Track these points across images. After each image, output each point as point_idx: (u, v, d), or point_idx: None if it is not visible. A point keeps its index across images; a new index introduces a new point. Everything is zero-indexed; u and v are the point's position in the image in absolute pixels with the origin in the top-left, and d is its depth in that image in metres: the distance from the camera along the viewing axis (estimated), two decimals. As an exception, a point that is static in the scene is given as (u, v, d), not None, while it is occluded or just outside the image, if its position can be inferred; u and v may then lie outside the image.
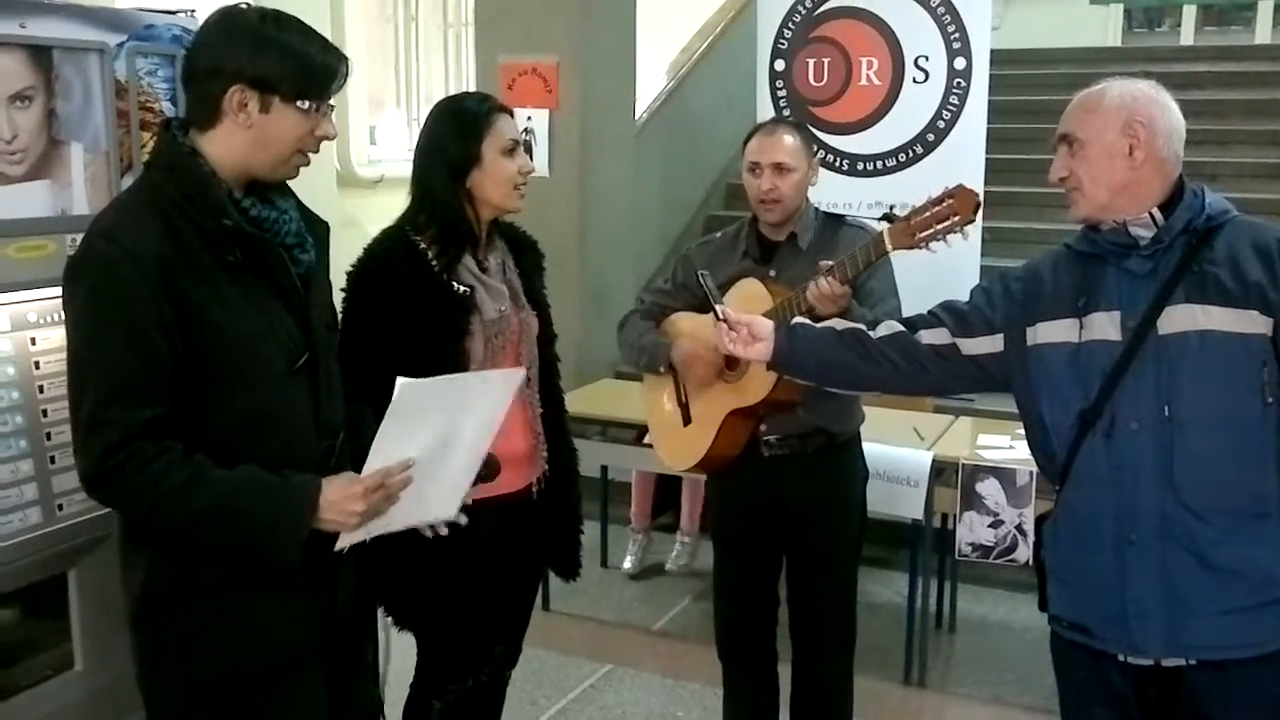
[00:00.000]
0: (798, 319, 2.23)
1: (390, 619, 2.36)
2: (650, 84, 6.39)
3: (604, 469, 4.63)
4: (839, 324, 2.15)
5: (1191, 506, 1.76)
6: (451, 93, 2.74)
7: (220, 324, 1.67)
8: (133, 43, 2.19)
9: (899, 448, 3.55)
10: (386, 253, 2.28)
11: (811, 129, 4.81)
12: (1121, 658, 1.84)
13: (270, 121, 1.70)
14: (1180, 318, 1.77)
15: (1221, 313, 1.75)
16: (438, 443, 1.81)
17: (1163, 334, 1.78)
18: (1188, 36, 10.53)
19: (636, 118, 5.90)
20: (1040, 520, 2.02)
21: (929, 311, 2.08)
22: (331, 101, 1.77)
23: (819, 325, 2.16)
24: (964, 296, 2.08)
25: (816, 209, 2.77)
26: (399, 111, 8.35)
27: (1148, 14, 10.99)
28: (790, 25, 4.98)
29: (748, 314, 2.21)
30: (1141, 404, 1.78)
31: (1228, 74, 7.19)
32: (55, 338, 2.00)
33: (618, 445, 3.97)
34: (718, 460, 2.73)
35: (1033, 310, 1.92)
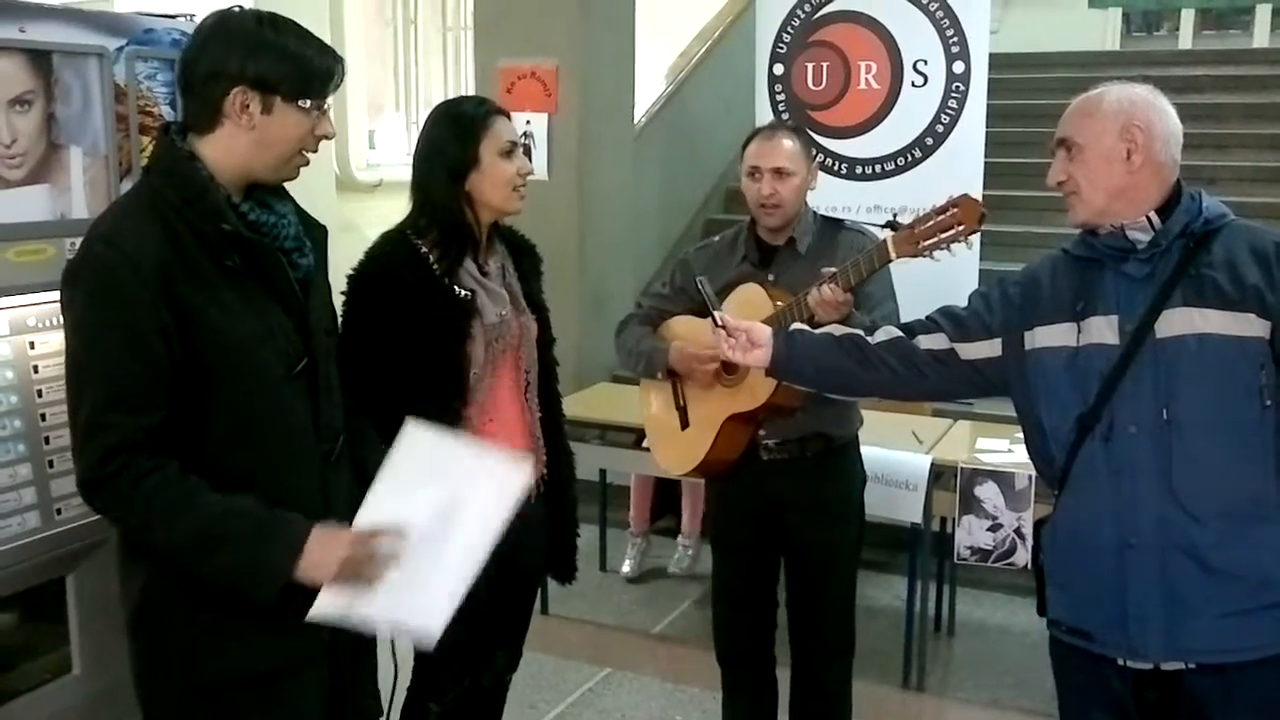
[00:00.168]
0: (796, 325, 2.23)
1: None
2: (649, 88, 6.39)
3: (603, 472, 4.63)
4: (837, 330, 2.15)
5: (1190, 510, 1.76)
6: (450, 97, 2.74)
7: (219, 328, 1.67)
8: (132, 47, 2.19)
9: (898, 451, 3.55)
10: (387, 257, 2.28)
11: (810, 133, 4.85)
12: (1121, 662, 1.84)
13: (272, 122, 1.70)
14: (1178, 321, 1.78)
15: (1219, 316, 1.76)
16: (436, 522, 1.75)
17: (1160, 337, 1.78)
18: (1186, 40, 10.54)
19: (635, 121, 5.91)
20: (1039, 524, 2.02)
21: (927, 317, 2.08)
22: (329, 101, 1.78)
23: (817, 331, 2.16)
24: (962, 301, 2.08)
25: (815, 213, 2.78)
26: (398, 115, 8.35)
27: (1146, 18, 11.01)
28: (789, 29, 4.99)
29: (747, 320, 2.21)
30: (1140, 407, 1.79)
31: (1226, 78, 7.20)
32: (54, 342, 2.00)
33: (616, 449, 3.97)
34: (716, 464, 2.73)
35: (1031, 315, 1.93)
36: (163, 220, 1.66)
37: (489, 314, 2.28)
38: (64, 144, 2.09)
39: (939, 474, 3.50)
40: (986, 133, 4.75)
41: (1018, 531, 3.35)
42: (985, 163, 4.74)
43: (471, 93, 5.20)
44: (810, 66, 4.96)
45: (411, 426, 1.74)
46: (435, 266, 2.26)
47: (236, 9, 1.74)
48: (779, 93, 5.04)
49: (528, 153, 4.79)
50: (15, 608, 2.02)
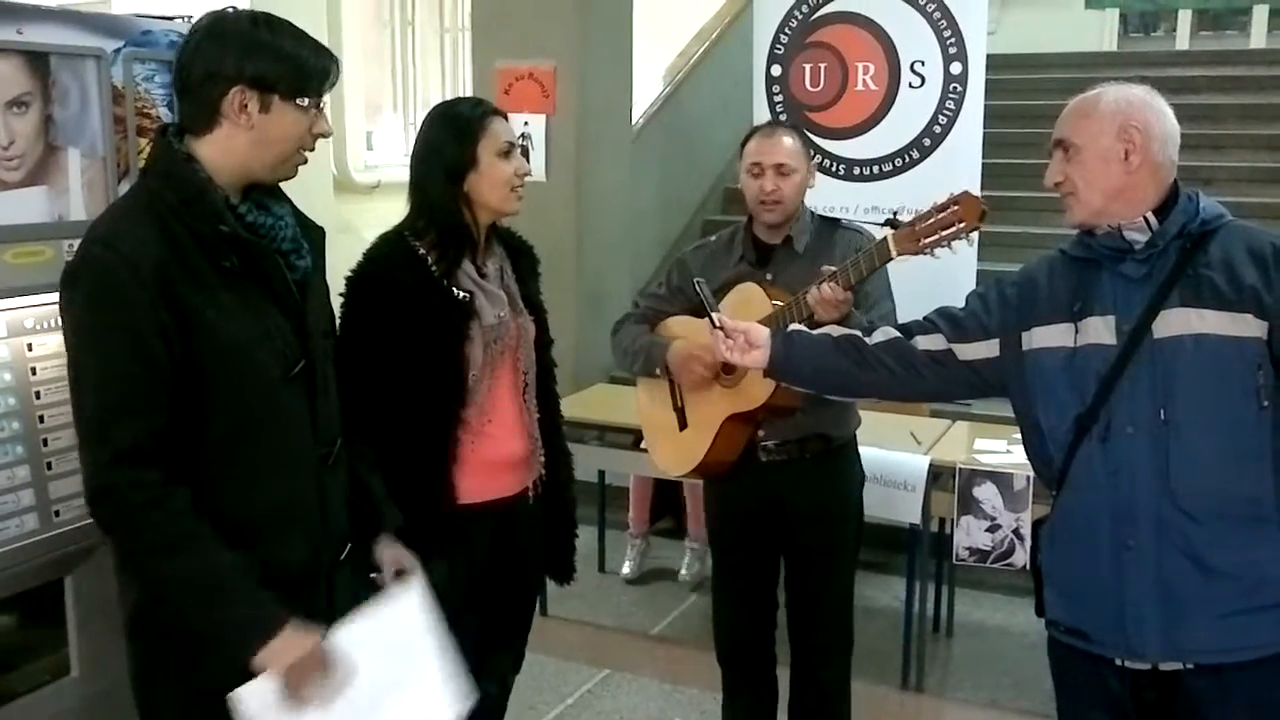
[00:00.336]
0: (794, 326, 2.23)
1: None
2: (647, 89, 6.39)
3: (601, 474, 4.63)
4: (835, 331, 2.15)
5: (1187, 510, 1.76)
6: (448, 98, 2.74)
7: (216, 330, 1.67)
8: (129, 48, 2.19)
9: (896, 452, 3.55)
10: (386, 258, 2.28)
11: (808, 134, 4.85)
12: (1119, 662, 1.84)
13: (271, 121, 1.71)
14: (1175, 321, 1.78)
15: (1216, 316, 1.76)
16: (375, 690, 1.76)
17: (1158, 338, 1.79)
18: (1183, 41, 10.55)
19: (633, 122, 5.91)
20: (1037, 524, 2.02)
21: (925, 317, 2.08)
22: (325, 99, 1.78)
23: (815, 332, 2.16)
24: (960, 301, 2.08)
25: (812, 212, 2.78)
26: (396, 117, 8.35)
27: (1143, 18, 11.02)
28: (786, 31, 4.99)
29: (745, 320, 2.21)
30: (1137, 408, 1.79)
31: (1223, 78, 7.21)
32: (52, 343, 2.00)
33: (615, 450, 3.97)
34: (715, 465, 2.73)
35: (1028, 315, 1.93)
36: (160, 221, 1.65)
37: (487, 315, 2.28)
38: (62, 146, 2.08)
39: (937, 475, 3.50)
40: (984, 133, 4.75)
41: (1016, 532, 3.35)
42: (983, 163, 4.75)
43: (469, 94, 5.21)
44: (808, 67, 4.96)
45: (416, 590, 1.76)
46: (433, 268, 2.26)
47: (230, 10, 1.74)
48: (777, 94, 5.04)
49: (525, 154, 4.80)
50: (14, 610, 2.02)
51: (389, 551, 2.06)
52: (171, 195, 1.67)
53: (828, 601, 2.81)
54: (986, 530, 3.39)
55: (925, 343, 2.04)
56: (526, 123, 5.09)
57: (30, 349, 2.02)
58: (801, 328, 2.21)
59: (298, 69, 1.71)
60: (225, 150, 1.71)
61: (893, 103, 4.83)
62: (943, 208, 2.21)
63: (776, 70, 5.03)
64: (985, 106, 4.74)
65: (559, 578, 2.58)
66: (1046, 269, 1.96)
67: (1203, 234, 1.81)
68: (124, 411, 1.61)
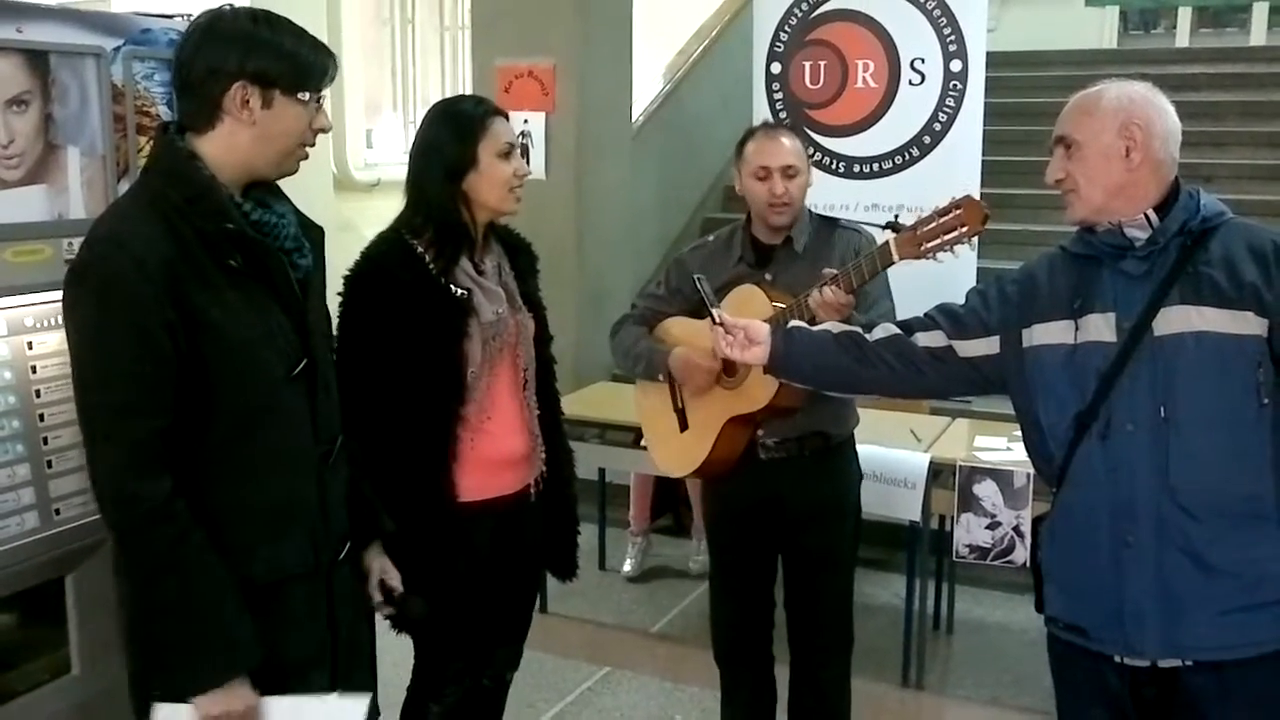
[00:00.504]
0: (794, 323, 2.23)
1: (389, 622, 2.35)
2: (647, 87, 6.39)
3: (602, 471, 4.63)
4: (835, 327, 2.15)
5: (1187, 507, 1.76)
6: (448, 96, 2.74)
7: (221, 328, 1.67)
8: (129, 47, 2.19)
9: (896, 450, 3.55)
10: (383, 256, 2.28)
11: (808, 131, 4.86)
12: (1118, 659, 1.84)
13: (273, 116, 1.71)
14: (1175, 319, 1.78)
15: (1217, 314, 1.76)
16: None
17: (1158, 335, 1.78)
18: (1183, 38, 10.55)
19: (633, 120, 5.91)
20: (1037, 521, 2.02)
21: (925, 314, 2.08)
22: (325, 94, 1.78)
23: (815, 329, 2.16)
24: (960, 299, 2.08)
25: (810, 211, 2.77)
26: (395, 115, 8.34)
27: (1143, 16, 11.01)
28: (786, 28, 4.99)
29: (744, 319, 2.21)
30: (1137, 405, 1.79)
31: (1223, 75, 7.21)
32: (52, 342, 2.00)
33: (616, 448, 3.97)
34: (717, 465, 2.72)
35: (1028, 312, 1.93)
36: (165, 220, 1.65)
37: (485, 312, 2.28)
38: (61, 144, 2.08)
39: (937, 472, 3.50)
40: (984, 131, 4.75)
41: (1016, 529, 3.35)
42: (983, 161, 4.74)
43: (469, 92, 5.21)
44: (808, 65, 4.96)
45: (362, 707, 1.76)
46: (431, 266, 2.26)
47: (228, 7, 1.74)
48: (777, 91, 5.04)
49: (525, 153, 4.80)
50: (14, 608, 2.01)
51: (377, 562, 2.07)
52: (176, 193, 1.67)
53: (827, 600, 2.81)
54: (987, 527, 3.39)
55: (925, 340, 2.04)
56: (526, 121, 5.09)
57: (30, 347, 2.02)
58: (802, 324, 2.21)
59: (298, 64, 1.72)
60: (228, 147, 1.71)
61: (893, 100, 4.83)
62: (945, 212, 2.21)
63: (776, 68, 5.03)
64: (985, 104, 4.74)
65: (561, 575, 2.58)
66: (1047, 266, 1.96)
67: (1203, 231, 1.81)
68: (133, 411, 1.61)
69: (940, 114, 4.75)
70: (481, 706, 2.54)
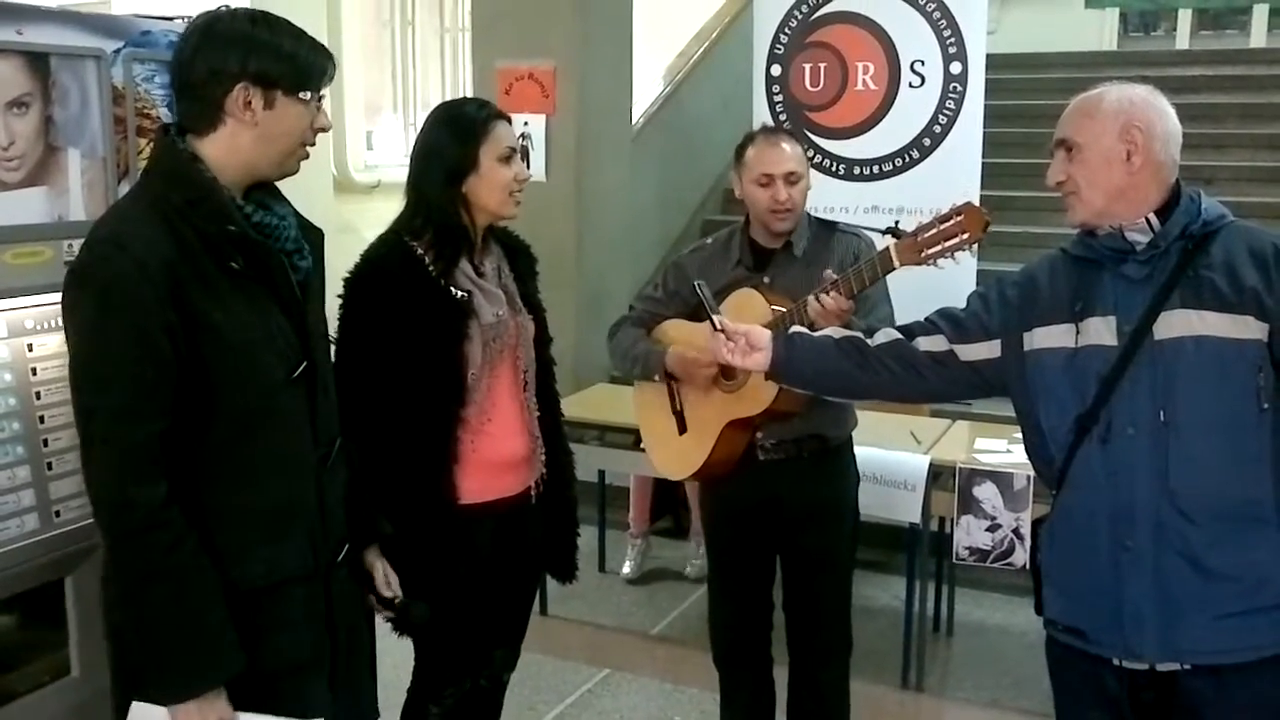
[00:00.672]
0: (795, 328, 2.22)
1: (389, 625, 2.35)
2: (647, 89, 6.39)
3: (601, 474, 4.62)
4: (836, 333, 2.15)
5: (1186, 511, 1.76)
6: (448, 98, 2.74)
7: (222, 330, 1.67)
8: (129, 49, 2.19)
9: (896, 452, 3.55)
10: (384, 259, 2.28)
11: (808, 134, 4.86)
12: (1116, 662, 1.84)
13: (275, 117, 1.71)
14: (1176, 323, 1.77)
15: (1217, 318, 1.75)
16: None
17: (1159, 339, 1.78)
18: (1183, 40, 10.56)
19: (633, 122, 5.91)
20: (1037, 523, 2.02)
21: (926, 319, 2.08)
22: (324, 93, 1.78)
23: (816, 334, 2.16)
24: (960, 301, 2.08)
25: (809, 215, 2.77)
26: (395, 117, 8.34)
27: (1143, 18, 11.02)
28: (786, 30, 4.99)
29: (745, 324, 2.20)
30: (1137, 409, 1.79)
31: (1223, 78, 7.21)
32: (52, 344, 2.00)
33: (615, 450, 3.97)
34: (716, 468, 2.72)
35: (1029, 315, 1.93)
36: (167, 221, 1.65)
37: (486, 314, 2.28)
38: (62, 146, 2.08)
39: (937, 474, 3.50)
40: (984, 133, 4.75)
41: (1016, 532, 3.35)
42: (983, 163, 4.74)
43: (469, 94, 5.21)
44: (808, 67, 4.96)
45: None
46: (431, 268, 2.26)
47: (225, 8, 1.74)
48: (777, 93, 5.04)
49: (525, 155, 4.80)
50: (14, 610, 2.02)
51: (379, 564, 2.08)
52: (177, 195, 1.67)
53: (826, 602, 2.81)
54: (986, 530, 3.39)
55: (927, 344, 2.04)
56: (526, 123, 5.09)
57: (30, 349, 2.02)
58: (803, 330, 2.20)
59: (299, 64, 1.72)
60: (230, 149, 1.71)
61: (893, 102, 4.83)
62: (946, 218, 2.20)
63: (776, 70, 5.03)
64: (985, 106, 4.74)
65: (561, 576, 2.58)
66: (1048, 269, 1.96)
67: (1204, 235, 1.81)
68: (132, 414, 1.61)
69: (940, 116, 4.75)
70: (479, 708, 2.54)
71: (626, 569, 4.63)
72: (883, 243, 2.35)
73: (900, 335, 2.07)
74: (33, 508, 1.99)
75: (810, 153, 4.84)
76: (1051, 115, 1.96)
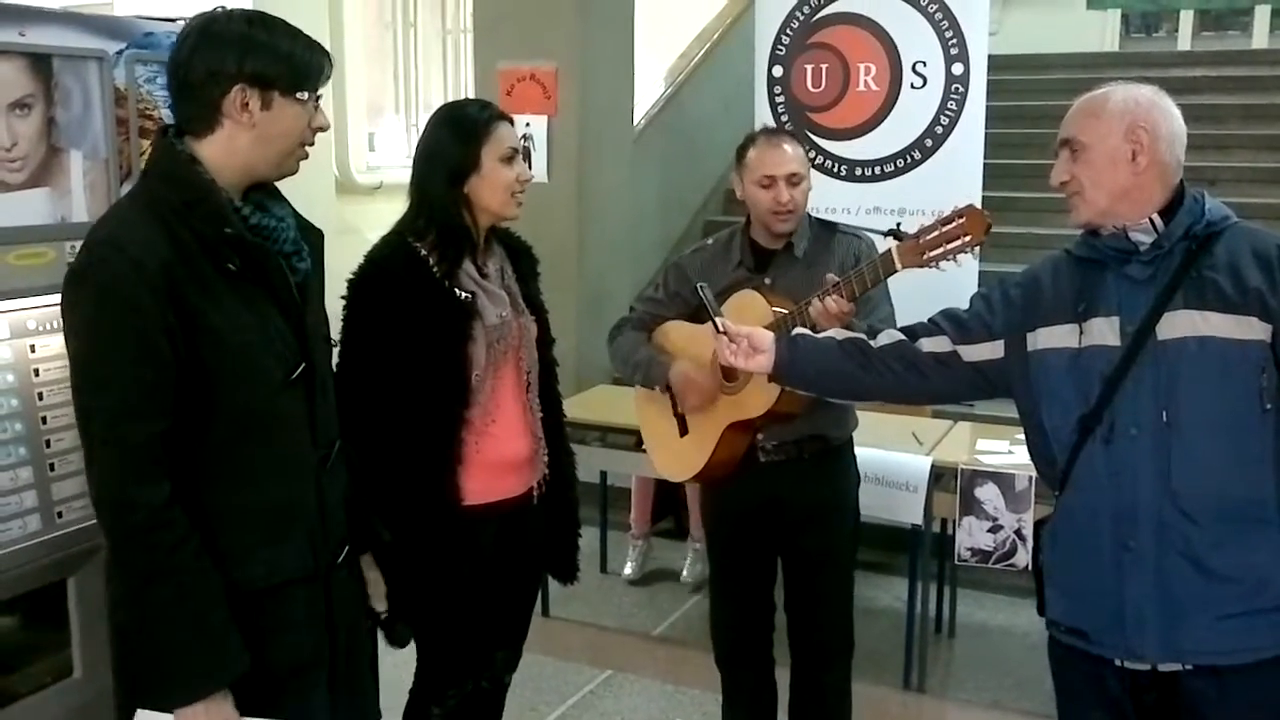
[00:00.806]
0: (798, 330, 2.22)
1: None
2: (649, 90, 6.39)
3: (603, 474, 4.63)
4: (839, 334, 2.15)
5: (1188, 512, 1.76)
6: (450, 99, 2.74)
7: (220, 332, 1.67)
8: (132, 50, 2.19)
9: (898, 453, 3.55)
10: (387, 260, 2.28)
11: (810, 135, 4.86)
12: (1118, 662, 1.84)
13: (272, 117, 1.71)
14: (1180, 323, 1.77)
15: (1221, 319, 1.75)
16: None
17: (1162, 339, 1.78)
18: (1185, 41, 10.55)
19: (635, 123, 5.91)
20: (1039, 524, 2.02)
21: (929, 319, 2.08)
22: (322, 93, 1.78)
23: (819, 336, 2.15)
24: (962, 302, 2.08)
25: (810, 216, 2.77)
26: (398, 118, 8.34)
27: (1145, 19, 11.01)
28: (788, 31, 4.99)
29: (746, 325, 2.20)
30: (1140, 409, 1.79)
31: (1225, 79, 7.21)
32: (55, 345, 2.00)
33: (617, 451, 3.98)
34: (717, 470, 2.72)
35: (1033, 316, 1.92)
36: (164, 223, 1.65)
37: (489, 315, 2.29)
38: (64, 147, 2.08)
39: (939, 475, 3.50)
40: (986, 134, 4.75)
41: (1018, 533, 3.35)
42: (985, 164, 4.74)
43: (471, 95, 5.21)
44: (809, 68, 4.96)
45: None
46: (435, 269, 2.26)
47: (221, 9, 1.74)
48: (778, 94, 5.04)
49: (527, 157, 4.80)
50: (16, 611, 2.02)
51: (372, 574, 2.08)
52: (175, 197, 1.67)
53: (828, 603, 2.81)
54: (988, 531, 3.39)
55: (930, 345, 2.04)
56: (528, 124, 5.09)
57: (33, 350, 2.02)
58: (806, 331, 2.20)
59: (296, 64, 1.72)
60: (228, 150, 1.71)
61: (894, 103, 4.83)
62: (947, 220, 2.20)
63: (778, 71, 5.03)
64: (987, 107, 4.74)
65: (562, 577, 2.58)
66: (1051, 269, 1.96)
67: (1208, 235, 1.81)
68: (132, 414, 1.61)
69: (942, 117, 4.75)
70: (481, 709, 2.54)
71: (628, 570, 4.63)
72: (884, 245, 2.35)
73: (903, 336, 2.07)
74: (35, 509, 1.99)
75: (812, 154, 4.86)
76: (1053, 116, 1.95)
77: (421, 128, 2.38)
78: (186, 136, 1.73)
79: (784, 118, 4.97)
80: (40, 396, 2.01)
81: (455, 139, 2.27)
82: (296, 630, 1.80)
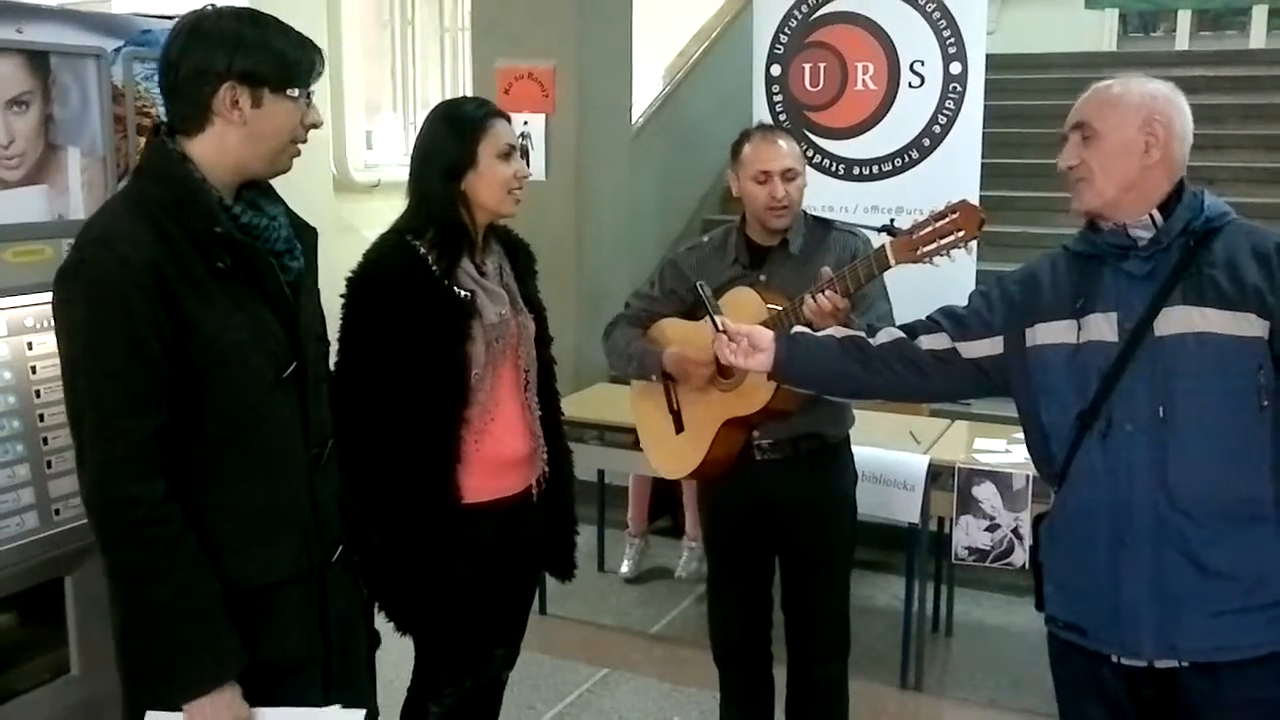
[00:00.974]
0: (798, 328, 2.22)
1: (391, 623, 2.35)
2: (647, 88, 6.39)
3: (600, 473, 4.63)
4: (839, 332, 2.14)
5: (1185, 508, 1.76)
6: (448, 97, 2.74)
7: (211, 332, 1.66)
8: (129, 48, 2.19)
9: (895, 451, 3.55)
10: (386, 259, 2.28)
11: (807, 133, 4.87)
12: (1115, 658, 1.84)
13: (263, 115, 1.70)
14: (1177, 319, 1.77)
15: (1219, 315, 1.75)
16: None
17: (1160, 335, 1.78)
18: (1183, 41, 10.56)
19: (633, 122, 5.91)
20: (1038, 520, 2.02)
21: (928, 317, 2.08)
22: (314, 89, 1.78)
23: (819, 334, 2.15)
24: (959, 301, 2.08)
25: (805, 213, 2.77)
26: (395, 116, 8.34)
27: (1143, 18, 11.03)
28: (786, 30, 4.99)
29: (741, 323, 2.20)
30: (1137, 405, 1.79)
31: (1223, 78, 7.21)
32: (52, 342, 1.98)
33: (614, 449, 3.98)
34: (713, 467, 2.72)
35: (1031, 312, 1.92)
36: (154, 222, 1.65)
37: (489, 314, 2.29)
38: (62, 145, 2.08)
39: (936, 474, 3.50)
40: (983, 133, 4.76)
41: (1015, 531, 3.35)
42: (982, 163, 4.75)
43: (469, 94, 5.21)
44: (808, 67, 4.96)
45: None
46: (434, 268, 2.26)
47: (211, 7, 1.73)
48: (776, 93, 5.05)
49: (525, 155, 4.80)
50: (14, 608, 2.02)
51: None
52: (166, 195, 1.67)
53: (824, 601, 2.81)
54: (986, 530, 3.39)
55: (929, 342, 2.03)
56: (526, 122, 5.09)
57: (30, 348, 2.02)
58: (806, 330, 2.20)
59: (286, 61, 1.71)
60: (219, 149, 1.71)
61: (892, 102, 4.83)
62: (941, 216, 2.20)
63: (776, 70, 5.03)
64: (985, 106, 4.74)
65: (560, 575, 2.58)
66: (1049, 265, 1.95)
67: (1206, 232, 1.81)
68: (125, 412, 1.61)
69: (940, 116, 4.75)
70: (478, 707, 2.54)
71: (625, 568, 4.63)
72: (879, 241, 2.36)
73: (902, 334, 2.07)
74: (32, 506, 1.99)
75: (810, 152, 4.86)
76: (1051, 115, 1.96)
77: (419, 126, 2.38)
78: (178, 135, 1.72)
79: (782, 116, 4.97)
80: (38, 394, 2.01)
81: (452, 136, 2.27)
82: (290, 629, 1.79)
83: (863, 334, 2.11)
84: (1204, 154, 6.09)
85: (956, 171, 4.63)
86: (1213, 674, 1.78)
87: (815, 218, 2.78)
